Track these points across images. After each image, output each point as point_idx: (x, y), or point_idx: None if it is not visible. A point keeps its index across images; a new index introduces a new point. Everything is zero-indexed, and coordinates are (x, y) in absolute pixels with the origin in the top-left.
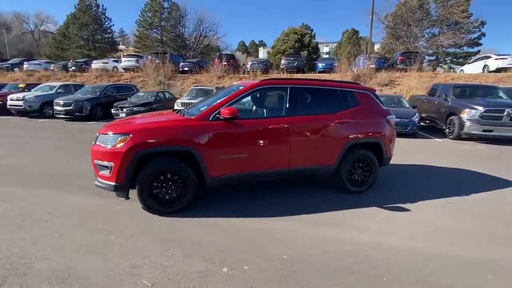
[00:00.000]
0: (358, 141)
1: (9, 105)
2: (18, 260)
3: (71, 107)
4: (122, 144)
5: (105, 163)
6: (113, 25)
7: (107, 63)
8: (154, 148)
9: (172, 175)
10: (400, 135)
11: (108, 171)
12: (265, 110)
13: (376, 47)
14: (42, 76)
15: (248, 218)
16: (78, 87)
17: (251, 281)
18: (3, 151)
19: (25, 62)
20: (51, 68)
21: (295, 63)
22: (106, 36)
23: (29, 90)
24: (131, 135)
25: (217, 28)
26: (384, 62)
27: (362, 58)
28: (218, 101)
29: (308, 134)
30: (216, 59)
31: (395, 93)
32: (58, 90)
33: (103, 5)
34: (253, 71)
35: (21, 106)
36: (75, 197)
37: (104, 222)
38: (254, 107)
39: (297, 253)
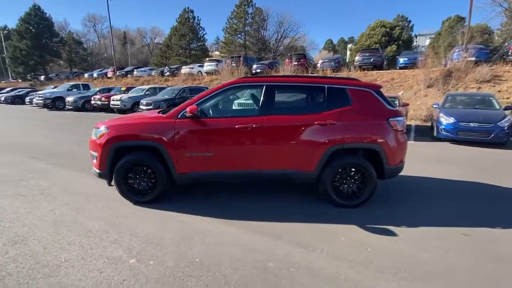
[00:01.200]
0: (346, 146)
1: (111, 105)
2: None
3: (151, 106)
4: (102, 137)
5: (93, 153)
6: (206, 33)
7: (193, 68)
8: (126, 142)
9: (145, 168)
10: (481, 144)
11: (95, 160)
12: (240, 110)
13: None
14: (145, 81)
15: (200, 217)
16: (162, 89)
17: (142, 274)
18: None
19: (135, 70)
20: (152, 73)
21: (371, 59)
22: (199, 44)
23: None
24: (108, 130)
25: (297, 28)
26: (489, 53)
27: (457, 50)
28: (189, 100)
29: (281, 135)
30: (286, 59)
31: (499, 91)
32: (146, 92)
33: (198, 16)
34: (323, 70)
35: (119, 105)
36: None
37: (85, 202)
38: (230, 106)
39: (211, 258)
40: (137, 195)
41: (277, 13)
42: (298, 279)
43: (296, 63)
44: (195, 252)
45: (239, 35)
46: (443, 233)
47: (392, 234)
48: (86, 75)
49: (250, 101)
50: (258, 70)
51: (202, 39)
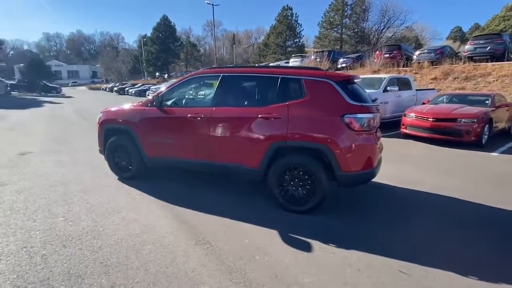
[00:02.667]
0: (289, 144)
1: None
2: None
3: None
4: (99, 120)
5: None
6: (303, 29)
7: (279, 64)
8: (110, 125)
9: (125, 149)
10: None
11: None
12: (199, 100)
13: None
14: None
15: (147, 195)
16: None
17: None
18: None
19: None
20: None
21: (487, 48)
22: (295, 40)
23: None
24: (101, 115)
25: (405, 16)
26: None
27: None
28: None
29: (227, 127)
30: (377, 52)
31: None
32: None
33: (296, 13)
34: (419, 62)
35: None
36: None
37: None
38: (193, 97)
39: (112, 231)
40: (120, 171)
41: (380, 2)
42: (154, 267)
43: (387, 55)
44: (107, 223)
45: (335, 29)
46: (372, 262)
47: (302, 248)
48: None
49: (210, 92)
50: (344, 65)
51: (298, 35)
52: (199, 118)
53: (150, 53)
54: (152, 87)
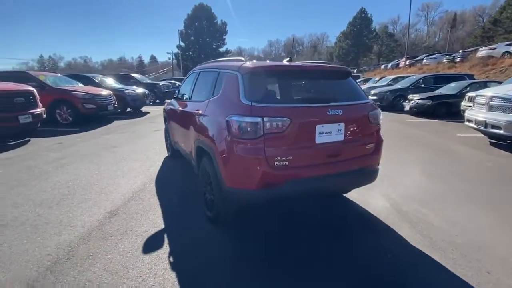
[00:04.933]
0: (198, 143)
1: None
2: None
3: (375, 97)
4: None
5: None
6: None
7: (495, 48)
8: (164, 113)
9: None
10: None
11: None
12: (187, 95)
13: None
14: (429, 69)
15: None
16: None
17: None
18: None
19: (425, 58)
20: (444, 60)
21: None
22: None
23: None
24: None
25: None
26: None
27: None
28: None
29: (184, 121)
30: None
31: None
32: (389, 82)
33: None
34: None
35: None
36: None
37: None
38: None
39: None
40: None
41: None
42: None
43: None
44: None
45: None
46: None
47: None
48: (382, 67)
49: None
50: None
51: None
52: (178, 111)
53: (341, 48)
54: None
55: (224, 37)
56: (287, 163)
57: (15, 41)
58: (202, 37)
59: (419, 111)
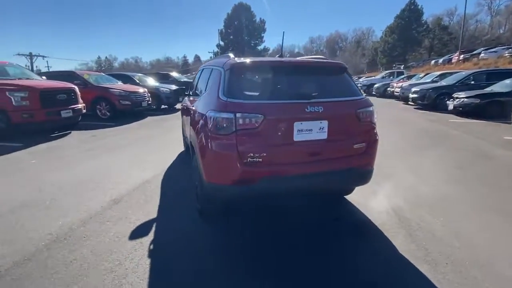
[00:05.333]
0: (190, 139)
1: (394, 92)
2: None
3: (416, 95)
4: None
5: None
6: None
7: None
8: None
9: None
10: None
11: None
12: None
13: None
14: (485, 64)
15: None
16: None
17: None
18: None
19: (482, 52)
20: (505, 54)
21: None
22: None
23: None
24: None
25: None
26: None
27: None
28: None
29: (187, 118)
30: None
31: None
32: (435, 78)
33: None
34: None
35: (398, 93)
36: None
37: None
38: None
39: None
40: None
41: None
42: None
43: None
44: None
45: None
46: None
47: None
48: (432, 62)
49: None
50: None
51: None
52: (185, 107)
53: (386, 43)
54: (360, 80)
55: (262, 35)
56: (260, 160)
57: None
58: (240, 36)
59: (464, 111)
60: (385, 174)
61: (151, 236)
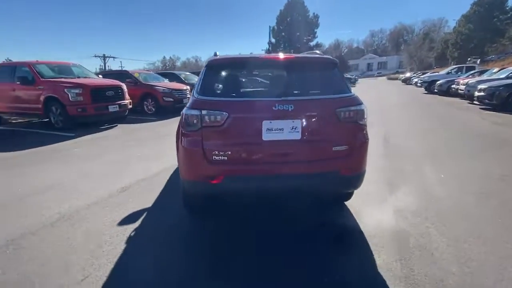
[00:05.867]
0: None
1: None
2: None
3: (483, 93)
4: None
5: None
6: None
7: None
8: None
9: None
10: None
11: None
12: None
13: None
14: None
15: None
16: None
17: None
18: None
19: None
20: None
21: None
22: None
23: None
24: None
25: None
26: None
27: None
28: None
29: None
30: None
31: None
32: (510, 74)
33: None
34: None
35: (463, 91)
36: None
37: None
38: None
39: None
40: None
41: None
42: None
43: None
44: None
45: None
46: None
47: None
48: None
49: None
50: None
51: None
52: None
53: (460, 34)
54: (422, 76)
55: (315, 30)
56: (225, 158)
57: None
58: (293, 32)
59: None
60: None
61: (136, 224)
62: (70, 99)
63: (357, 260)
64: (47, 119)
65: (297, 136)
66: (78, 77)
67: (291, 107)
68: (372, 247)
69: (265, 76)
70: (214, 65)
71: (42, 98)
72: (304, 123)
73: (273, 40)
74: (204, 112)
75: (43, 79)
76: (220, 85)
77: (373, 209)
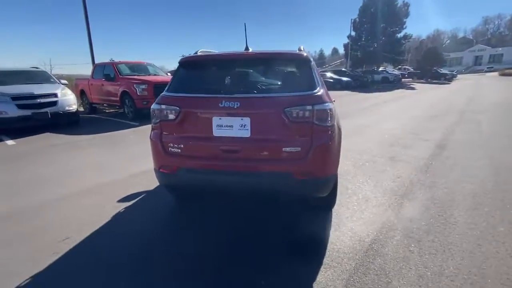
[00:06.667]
0: None
1: None
2: None
3: None
4: None
5: None
6: None
7: None
8: None
9: None
10: None
11: None
12: None
13: None
14: None
15: None
16: None
17: None
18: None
19: None
20: None
21: None
22: None
23: None
24: None
25: None
26: None
27: None
28: None
29: None
30: None
31: None
32: None
33: None
34: None
35: None
36: None
37: None
38: None
39: None
40: None
41: None
42: None
43: None
44: None
45: None
46: None
47: None
48: None
49: None
50: None
51: None
52: None
53: None
54: None
55: (404, 20)
56: (179, 150)
57: (227, 43)
58: (376, 23)
59: None
60: None
61: (129, 203)
62: (138, 93)
63: (303, 270)
64: (122, 111)
65: (247, 133)
66: (149, 75)
67: (237, 104)
68: (327, 259)
69: (233, 73)
70: (184, 63)
71: (119, 92)
72: (253, 121)
73: (353, 33)
74: (163, 106)
75: (121, 76)
76: (185, 83)
77: (358, 218)
